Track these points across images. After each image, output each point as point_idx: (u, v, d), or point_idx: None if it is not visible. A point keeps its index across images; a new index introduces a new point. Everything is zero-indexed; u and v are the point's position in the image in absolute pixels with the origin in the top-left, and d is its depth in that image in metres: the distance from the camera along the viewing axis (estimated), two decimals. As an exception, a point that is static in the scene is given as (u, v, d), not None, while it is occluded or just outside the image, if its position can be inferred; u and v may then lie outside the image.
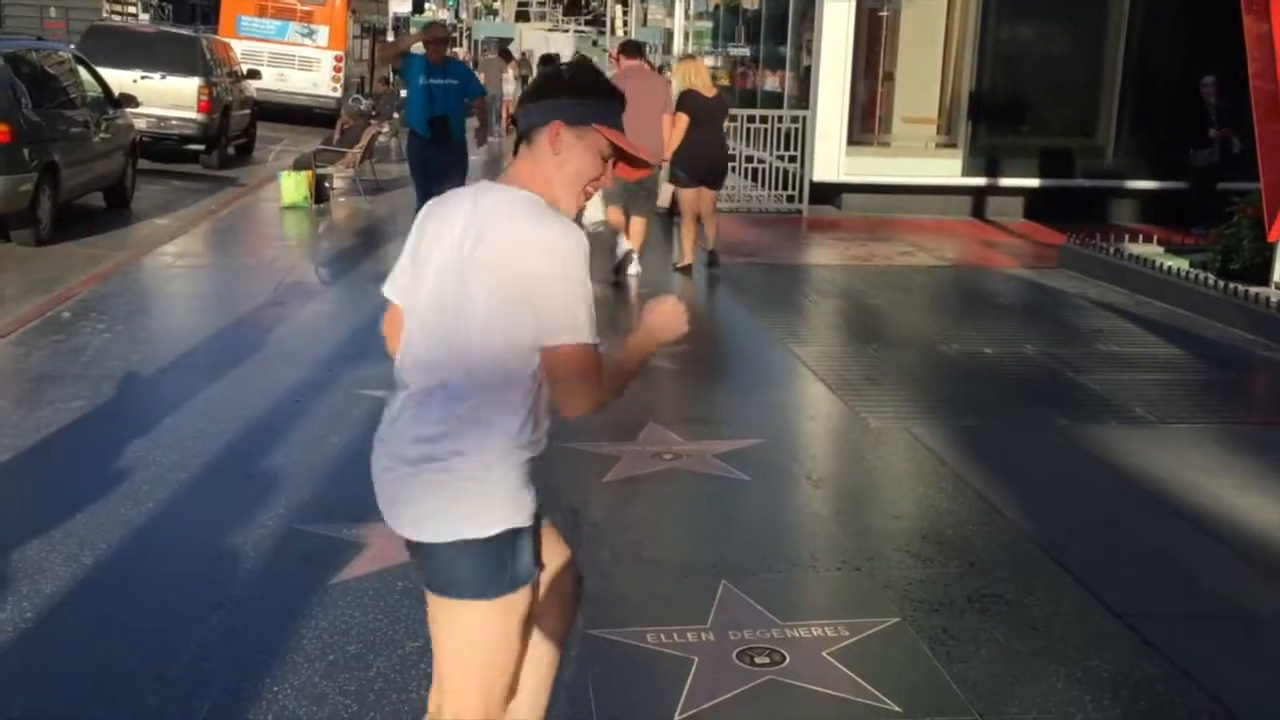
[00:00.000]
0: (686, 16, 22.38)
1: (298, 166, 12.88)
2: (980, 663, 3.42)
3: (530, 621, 2.32)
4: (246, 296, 8.00)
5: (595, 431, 5.35)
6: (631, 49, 9.62)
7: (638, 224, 8.95)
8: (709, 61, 19.95)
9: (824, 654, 3.41)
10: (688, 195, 9.29)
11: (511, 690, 2.35)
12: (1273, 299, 7.77)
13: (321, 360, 6.27)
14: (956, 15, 13.33)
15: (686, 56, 12.18)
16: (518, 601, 2.23)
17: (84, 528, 4.09)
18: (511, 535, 2.19)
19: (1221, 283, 8.26)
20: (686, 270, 9.39)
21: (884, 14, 13.39)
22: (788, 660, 3.37)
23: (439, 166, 8.61)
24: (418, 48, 9.02)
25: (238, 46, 19.83)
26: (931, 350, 7.17)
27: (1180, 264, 8.98)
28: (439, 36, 9.07)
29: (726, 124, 9.85)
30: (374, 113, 16.26)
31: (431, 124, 8.67)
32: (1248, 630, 3.73)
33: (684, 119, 8.95)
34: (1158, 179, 12.91)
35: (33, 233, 9.57)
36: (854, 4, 12.74)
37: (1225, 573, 4.15)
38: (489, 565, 2.18)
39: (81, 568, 3.80)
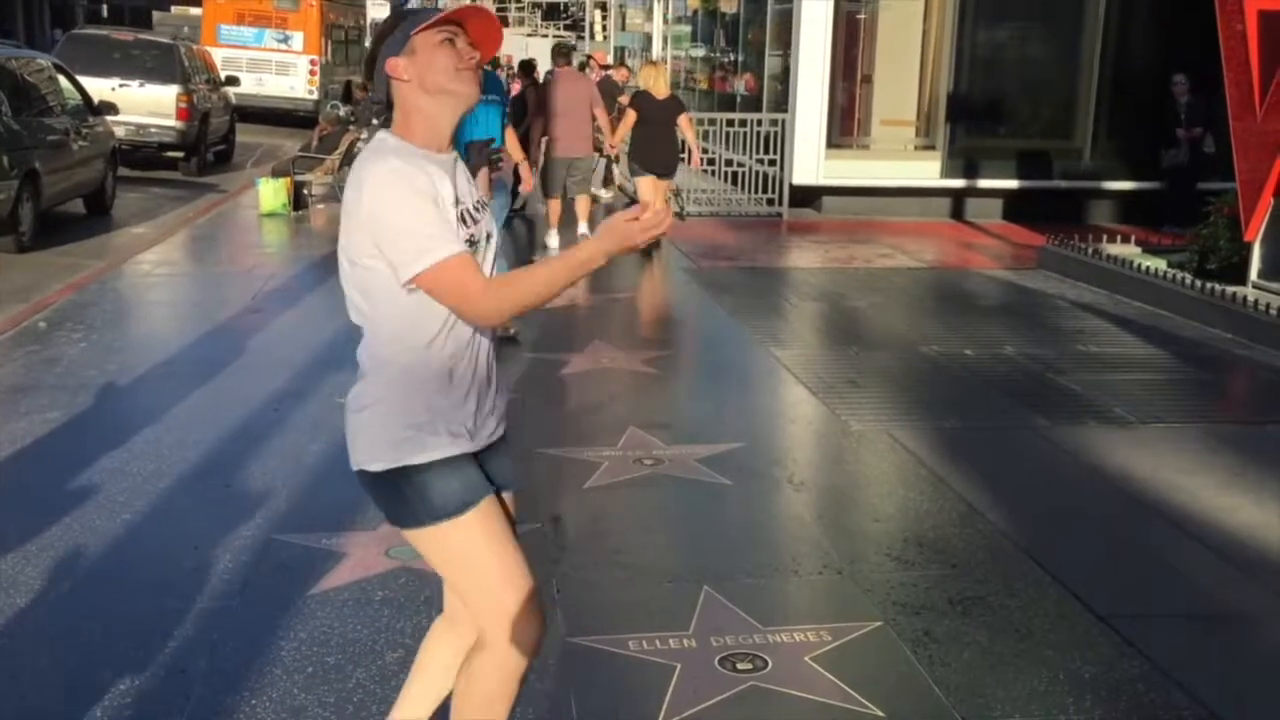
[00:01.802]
0: (665, 20, 22.41)
1: (276, 173, 12.83)
2: (962, 665, 3.42)
3: (506, 531, 2.40)
4: (224, 304, 7.95)
5: (576, 438, 5.34)
6: (562, 54, 10.92)
7: (582, 202, 10.53)
8: (688, 65, 20.01)
9: (806, 659, 3.41)
10: (645, 184, 10.40)
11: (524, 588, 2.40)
12: (1249, 298, 7.81)
13: (300, 368, 6.24)
14: (934, 18, 13.37)
15: (649, 62, 13.11)
16: (460, 525, 2.32)
17: (59, 540, 4.05)
18: (405, 472, 2.30)
19: (1199, 282, 8.30)
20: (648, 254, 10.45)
21: (862, 17, 13.43)
22: (770, 666, 3.36)
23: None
24: None
25: (218, 54, 20.18)
26: (912, 352, 7.18)
27: (1158, 264, 9.02)
28: None
29: (685, 122, 10.70)
30: (353, 118, 16.21)
31: (470, 151, 7.31)
32: (1228, 629, 3.74)
33: (631, 115, 10.30)
34: (1135, 180, 12.97)
35: (14, 240, 9.60)
36: (832, 7, 12.76)
37: (1205, 572, 4.17)
38: (397, 497, 2.33)
39: (56, 580, 3.76)
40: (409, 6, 30.26)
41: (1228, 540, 4.38)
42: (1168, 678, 3.36)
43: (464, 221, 2.30)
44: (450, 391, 2.33)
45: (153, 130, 14.80)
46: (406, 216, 2.21)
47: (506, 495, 2.52)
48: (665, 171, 10.46)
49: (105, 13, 50.93)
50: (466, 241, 2.28)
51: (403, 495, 2.32)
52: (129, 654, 3.32)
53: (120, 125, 13.44)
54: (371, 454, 2.32)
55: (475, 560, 2.36)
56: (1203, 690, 3.30)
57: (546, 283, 2.27)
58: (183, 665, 3.28)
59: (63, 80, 11.52)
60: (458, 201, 2.31)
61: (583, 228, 10.42)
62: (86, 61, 14.21)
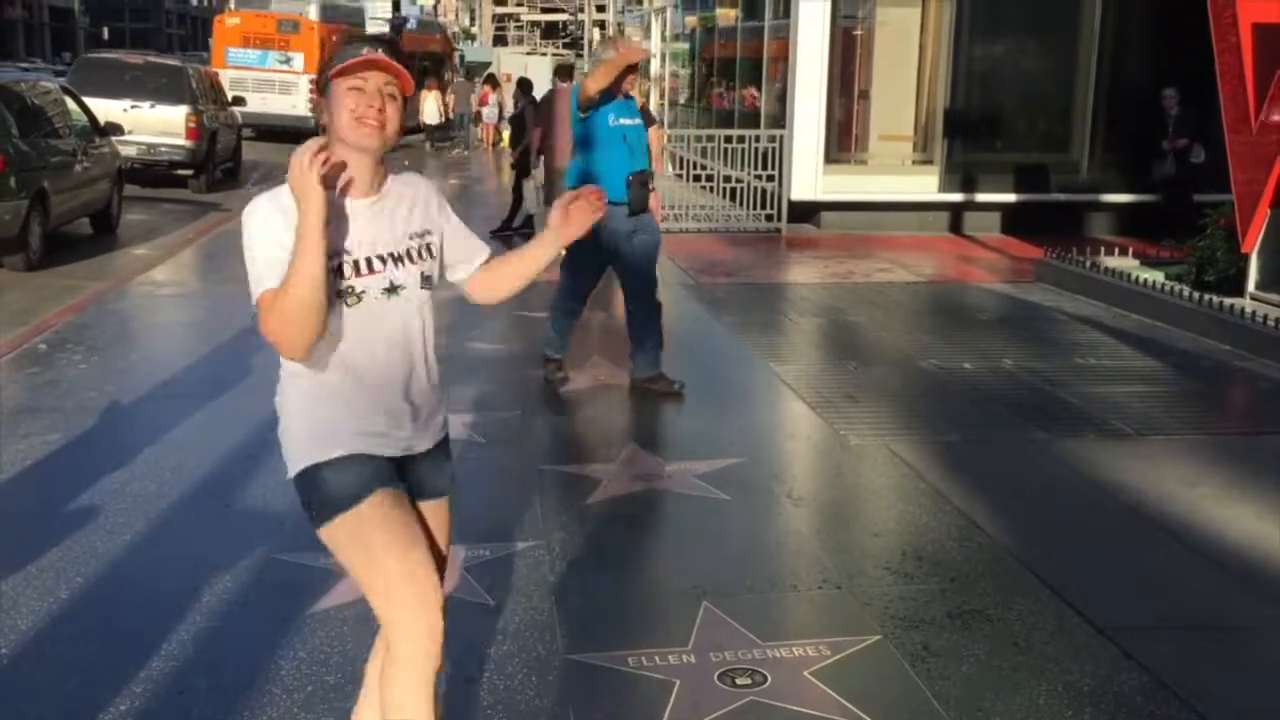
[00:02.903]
0: (663, 38, 22.48)
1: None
2: (961, 679, 3.42)
3: (404, 521, 2.43)
4: (225, 325, 7.96)
5: (577, 454, 5.35)
6: (564, 73, 12.03)
7: None
8: (686, 82, 20.08)
9: (805, 674, 3.41)
10: None
11: (428, 582, 2.42)
12: (1247, 309, 7.82)
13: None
14: (930, 33, 13.43)
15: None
16: (352, 517, 2.38)
17: (60, 561, 4.06)
18: (308, 472, 2.42)
19: (1196, 294, 8.32)
20: None
21: (859, 33, 13.48)
22: (769, 681, 3.36)
23: (633, 250, 6.24)
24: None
25: (227, 75, 22.22)
26: (910, 366, 7.19)
27: (1155, 276, 9.04)
28: (638, 59, 6.25)
29: (654, 136, 11.36)
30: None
31: (630, 185, 6.10)
32: (1226, 640, 3.74)
33: None
34: (1132, 192, 13.01)
35: (23, 258, 9.81)
36: (829, 23, 12.82)
37: (1203, 583, 4.17)
38: (307, 499, 2.44)
39: (57, 601, 3.77)
40: (408, 23, 30.51)
41: (1227, 551, 4.38)
42: (1167, 690, 3.36)
43: (339, 273, 2.35)
44: (352, 407, 2.42)
45: (163, 149, 15.37)
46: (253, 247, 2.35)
47: (434, 504, 2.57)
48: None
49: (106, 35, 51.09)
50: (340, 293, 2.35)
51: (309, 496, 2.43)
52: (129, 674, 3.32)
53: (132, 145, 14.13)
54: (290, 462, 2.46)
55: (369, 552, 2.39)
56: (1202, 702, 3.30)
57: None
58: (182, 685, 3.29)
59: (69, 102, 11.80)
60: (345, 252, 2.37)
61: None
62: (99, 84, 14.92)
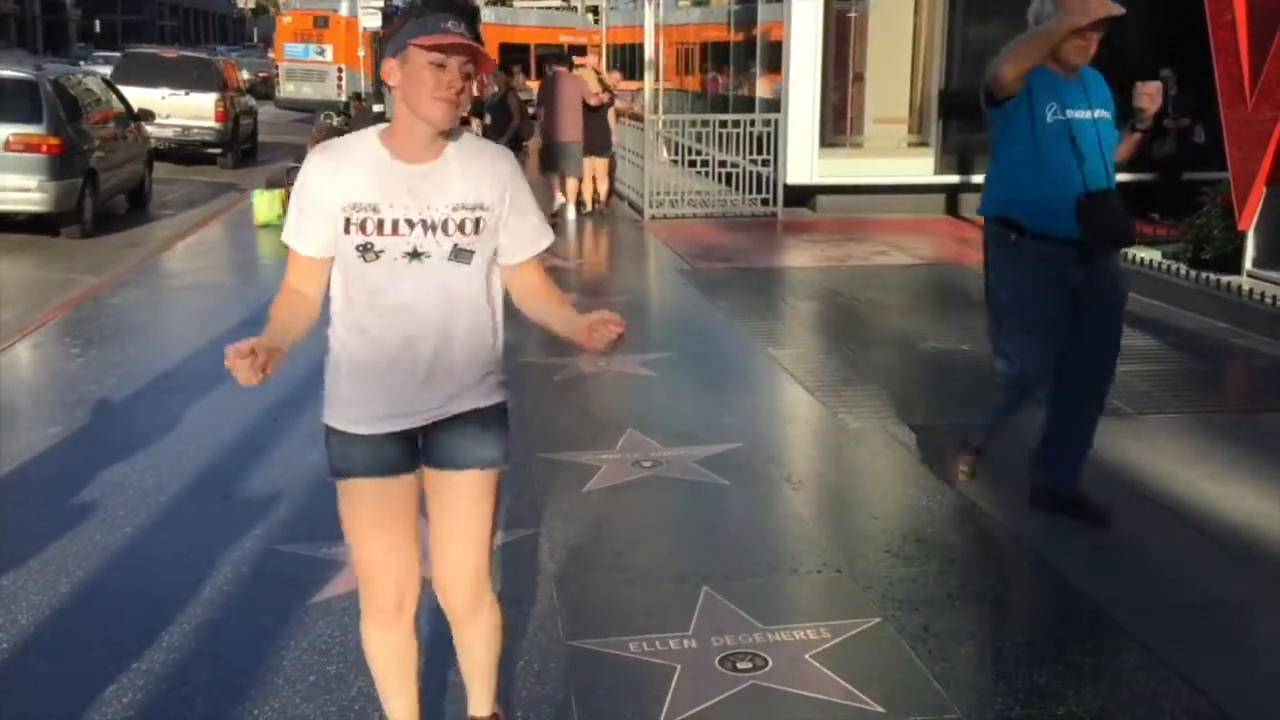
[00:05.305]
0: (656, 22, 22.39)
1: (270, 185, 12.82)
2: (962, 660, 3.43)
3: (386, 518, 2.64)
4: (222, 317, 7.95)
5: (574, 441, 5.35)
6: (559, 61, 13.41)
7: (571, 182, 12.75)
8: (681, 66, 20.02)
9: (806, 657, 3.42)
10: (587, 164, 12.96)
11: (405, 587, 2.72)
12: (1244, 287, 7.82)
13: (299, 378, 6.23)
14: (924, 15, 13.39)
15: (579, 65, 15.17)
16: (343, 489, 2.62)
17: (60, 555, 4.06)
18: (329, 430, 2.60)
19: (1194, 272, 8.31)
20: (592, 212, 13.10)
21: (852, 15, 13.44)
22: (770, 664, 3.37)
23: (1086, 315, 4.20)
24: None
25: (284, 67, 28.70)
26: (909, 349, 7.19)
27: (1152, 255, 9.03)
28: (1106, 14, 4.28)
29: (612, 113, 13.53)
30: (346, 128, 16.22)
31: (1083, 210, 4.10)
32: (1225, 618, 3.75)
33: None
34: (1130, 171, 12.95)
35: (79, 228, 11.41)
36: (822, 6, 12.78)
37: (1202, 562, 4.17)
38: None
39: (58, 595, 3.77)
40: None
41: (1226, 529, 4.39)
42: (1168, 668, 3.37)
43: (379, 228, 2.42)
44: (365, 382, 2.53)
45: (196, 131, 17.97)
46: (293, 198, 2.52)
47: (468, 474, 2.61)
48: (600, 151, 13.01)
49: (98, 28, 50.94)
50: (361, 247, 2.43)
51: (327, 448, 2.63)
52: (131, 667, 3.33)
53: (169, 127, 17.05)
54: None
55: (348, 526, 2.67)
56: (1203, 679, 3.30)
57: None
58: (185, 677, 3.29)
59: (109, 92, 13.60)
60: (389, 206, 2.41)
61: (561, 199, 12.72)
62: (141, 74, 17.82)
